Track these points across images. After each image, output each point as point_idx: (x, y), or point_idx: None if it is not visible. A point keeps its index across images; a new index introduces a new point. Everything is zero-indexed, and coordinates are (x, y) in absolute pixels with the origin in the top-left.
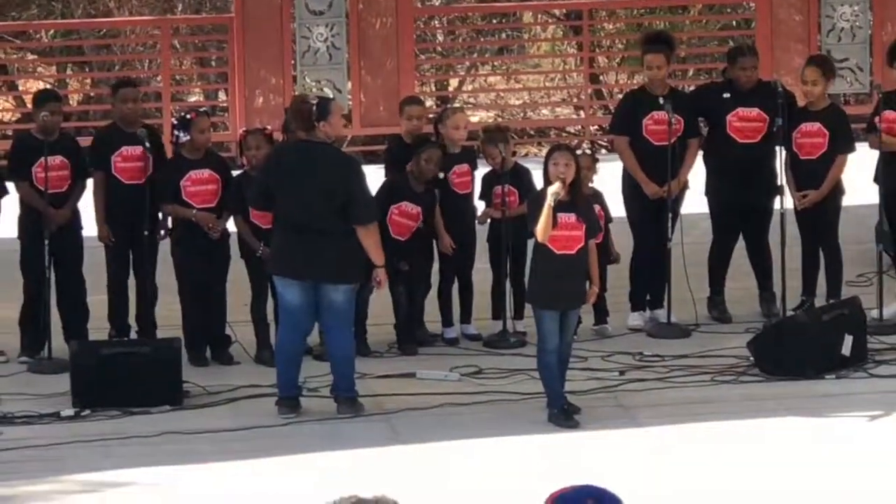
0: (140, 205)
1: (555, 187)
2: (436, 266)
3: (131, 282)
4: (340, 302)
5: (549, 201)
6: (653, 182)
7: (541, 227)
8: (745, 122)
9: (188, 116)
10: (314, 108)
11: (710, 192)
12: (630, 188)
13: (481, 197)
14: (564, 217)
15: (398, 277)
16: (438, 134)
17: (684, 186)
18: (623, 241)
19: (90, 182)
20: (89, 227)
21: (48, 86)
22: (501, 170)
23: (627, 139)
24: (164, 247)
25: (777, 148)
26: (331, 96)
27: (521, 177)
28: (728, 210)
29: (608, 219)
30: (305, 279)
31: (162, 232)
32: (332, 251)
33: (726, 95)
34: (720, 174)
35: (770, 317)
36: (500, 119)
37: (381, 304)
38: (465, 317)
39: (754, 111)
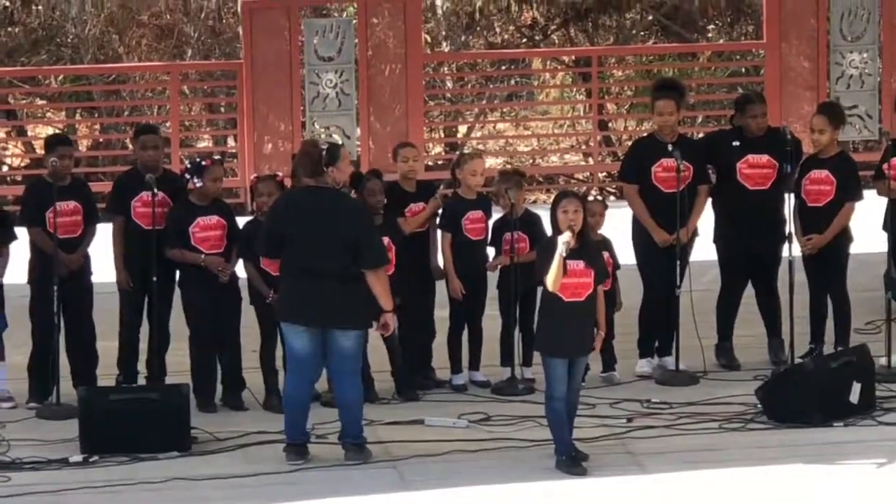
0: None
1: (566, 236)
2: (445, 312)
3: (143, 327)
4: (349, 348)
5: (560, 251)
6: (662, 229)
7: (552, 277)
8: (755, 168)
9: (203, 163)
10: (324, 153)
11: (718, 239)
12: (640, 235)
13: (491, 243)
14: (573, 264)
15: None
16: (455, 179)
17: (694, 233)
18: (632, 287)
19: (102, 227)
20: (98, 272)
21: (58, 131)
22: (511, 215)
23: (637, 187)
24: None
25: (786, 195)
26: (340, 142)
27: (532, 224)
28: (737, 257)
29: (616, 266)
30: (314, 325)
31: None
32: (342, 297)
33: (736, 143)
34: (729, 221)
35: (778, 364)
36: (508, 165)
37: (383, 352)
38: (474, 363)
39: (764, 158)
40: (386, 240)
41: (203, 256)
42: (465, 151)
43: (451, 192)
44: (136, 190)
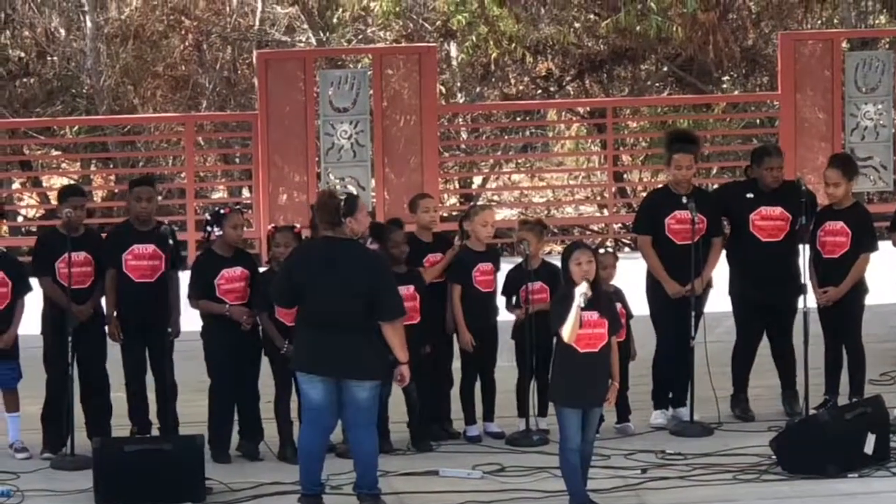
0: (152, 303)
1: (583, 288)
2: (458, 363)
3: (150, 379)
4: (364, 399)
5: (577, 302)
6: (675, 281)
7: (569, 329)
8: (768, 220)
9: (222, 212)
10: (341, 203)
11: (733, 290)
12: (653, 286)
13: (506, 291)
14: (587, 315)
15: (412, 374)
16: (463, 231)
17: (708, 285)
18: (646, 338)
19: None
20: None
21: (72, 181)
22: (526, 266)
23: (650, 238)
24: (179, 344)
25: (800, 246)
26: (356, 193)
27: (553, 274)
28: (752, 309)
29: (629, 316)
30: (330, 376)
31: (170, 330)
32: (358, 348)
33: (749, 195)
34: (743, 273)
35: (793, 415)
36: (523, 216)
37: (399, 401)
38: (488, 414)
39: (777, 210)
40: (410, 289)
41: (227, 307)
42: (477, 203)
43: (462, 244)
44: (128, 243)
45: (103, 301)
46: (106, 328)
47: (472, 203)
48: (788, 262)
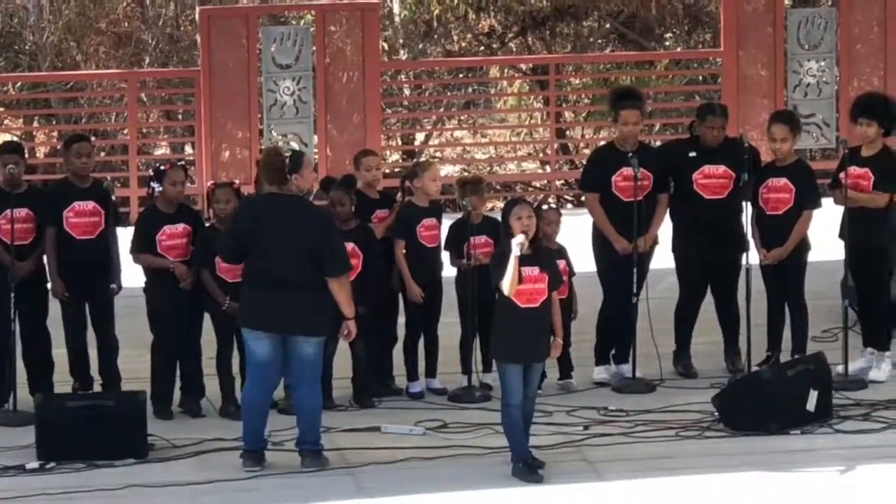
0: (94, 260)
1: (519, 238)
2: (401, 319)
3: (91, 336)
4: (310, 354)
5: (514, 252)
6: (623, 238)
7: (508, 281)
8: (711, 178)
9: (162, 168)
10: (287, 160)
11: (676, 248)
12: (599, 243)
13: (447, 245)
14: (528, 270)
15: (359, 331)
16: (404, 188)
17: (654, 242)
18: (590, 295)
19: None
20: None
21: (14, 138)
22: (470, 220)
23: (597, 195)
24: (121, 300)
25: (743, 203)
26: (301, 150)
27: (496, 228)
28: (695, 266)
29: (572, 273)
30: (277, 332)
31: (114, 286)
32: (305, 304)
33: (692, 154)
34: (687, 230)
35: (735, 372)
36: (465, 172)
37: (343, 358)
38: (431, 371)
39: (720, 168)
40: (351, 246)
41: (171, 263)
42: (420, 160)
43: (405, 200)
44: (69, 199)
45: (45, 258)
46: (49, 285)
47: (414, 161)
48: (731, 219)
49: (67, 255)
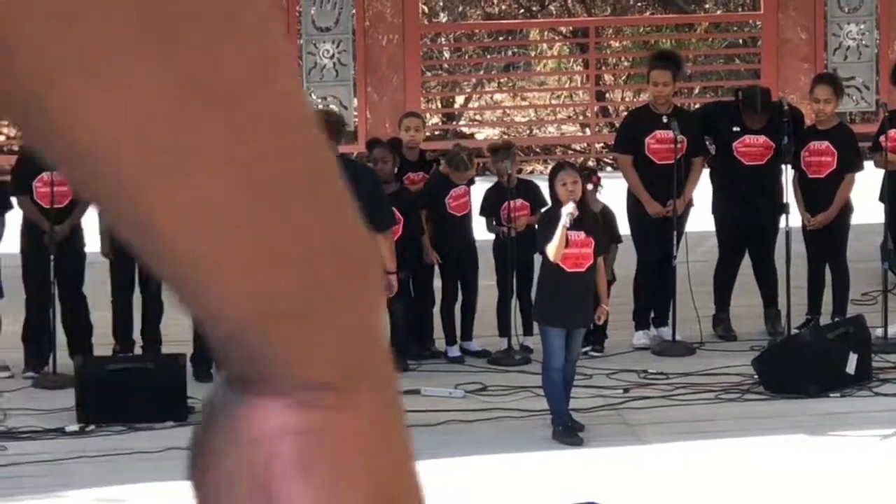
0: None
1: (569, 207)
2: (438, 283)
3: (136, 298)
4: None
5: (563, 221)
6: (655, 201)
7: (554, 247)
8: (751, 147)
9: None
10: (339, 121)
11: (716, 210)
12: (634, 206)
13: (482, 211)
14: (574, 235)
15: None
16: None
17: (689, 204)
18: (627, 259)
19: None
20: (91, 243)
21: None
22: (508, 184)
23: (630, 158)
24: None
25: (783, 166)
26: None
27: (531, 190)
28: (734, 228)
29: (617, 239)
30: None
31: None
32: None
33: (736, 129)
34: (726, 193)
35: (775, 335)
36: (505, 136)
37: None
38: (467, 334)
39: (761, 139)
40: (392, 209)
41: None
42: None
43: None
44: None
45: (82, 221)
46: (85, 248)
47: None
48: (771, 182)
49: None
